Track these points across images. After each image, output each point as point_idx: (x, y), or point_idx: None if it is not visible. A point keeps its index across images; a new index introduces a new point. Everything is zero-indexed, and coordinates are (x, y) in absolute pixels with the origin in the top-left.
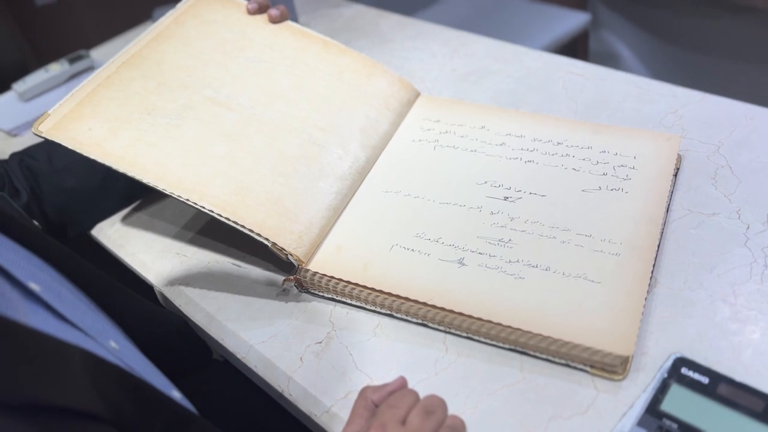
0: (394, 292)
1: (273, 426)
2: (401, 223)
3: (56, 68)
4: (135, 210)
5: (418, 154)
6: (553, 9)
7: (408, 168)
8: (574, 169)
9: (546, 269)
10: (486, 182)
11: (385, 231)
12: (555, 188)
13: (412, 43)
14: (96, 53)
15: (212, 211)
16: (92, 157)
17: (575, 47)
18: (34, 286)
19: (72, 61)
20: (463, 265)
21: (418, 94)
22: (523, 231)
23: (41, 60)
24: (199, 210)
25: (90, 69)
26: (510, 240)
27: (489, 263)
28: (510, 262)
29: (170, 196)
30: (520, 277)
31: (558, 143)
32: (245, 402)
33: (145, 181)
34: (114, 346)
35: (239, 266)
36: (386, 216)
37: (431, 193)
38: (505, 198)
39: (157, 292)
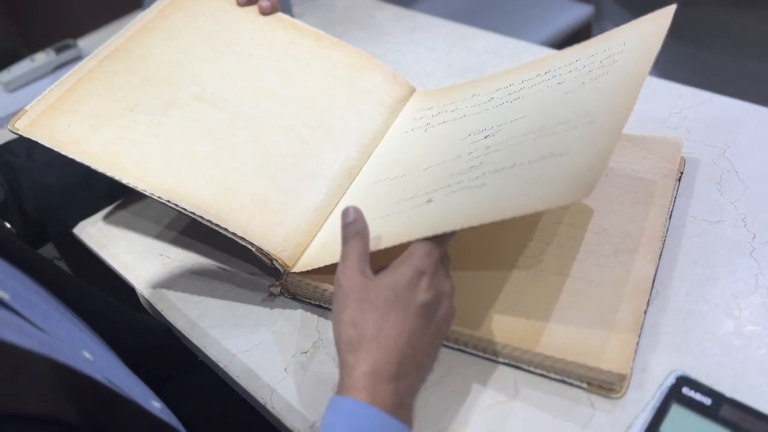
0: None
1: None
2: (387, 209)
3: (42, 58)
4: (118, 208)
5: (410, 142)
6: (556, 0)
7: (399, 156)
8: (559, 83)
9: (513, 166)
10: (470, 135)
11: (375, 226)
12: (536, 104)
13: (409, 37)
14: (84, 43)
15: (194, 213)
16: (70, 155)
17: (577, 40)
18: (2, 294)
19: (59, 50)
20: (431, 201)
21: (413, 90)
22: (497, 150)
23: (33, 48)
24: (181, 212)
25: (78, 59)
26: (481, 163)
27: (456, 188)
28: (477, 178)
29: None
30: (484, 184)
31: (546, 72)
32: (230, 408)
33: (124, 181)
34: (87, 356)
35: (224, 269)
36: (375, 208)
37: (417, 168)
38: (486, 137)
39: (139, 295)
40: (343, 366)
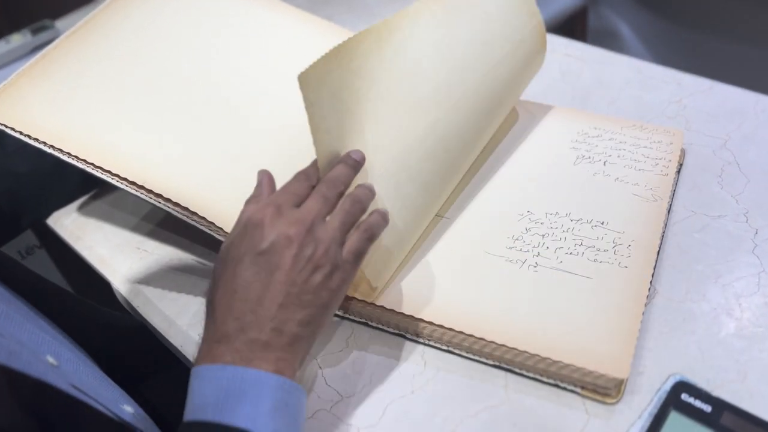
0: (370, 300)
1: None
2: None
3: (18, 39)
4: (93, 198)
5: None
6: None
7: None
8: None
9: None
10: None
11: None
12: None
13: None
14: (62, 24)
15: (169, 204)
16: (38, 144)
17: (573, 24)
18: None
19: (35, 31)
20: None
21: None
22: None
23: (8, 28)
24: (155, 205)
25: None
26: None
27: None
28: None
29: None
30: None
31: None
32: None
33: (89, 170)
34: (51, 361)
35: (203, 264)
36: None
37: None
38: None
39: (115, 291)
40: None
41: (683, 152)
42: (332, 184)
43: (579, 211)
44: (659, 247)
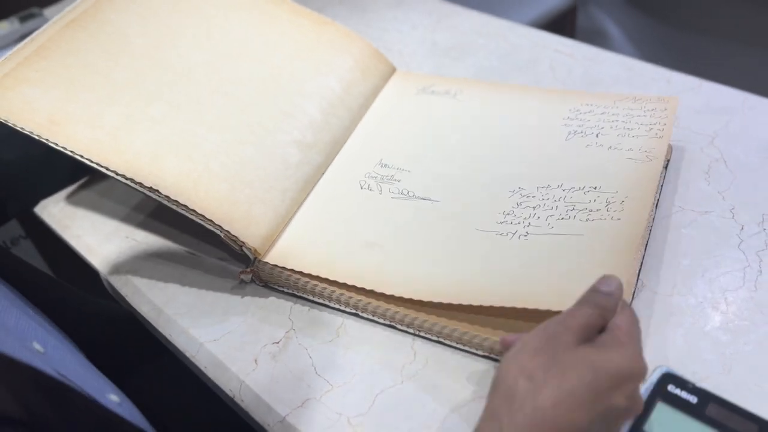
0: (361, 285)
1: (228, 422)
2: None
3: (5, 27)
4: (82, 187)
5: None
6: None
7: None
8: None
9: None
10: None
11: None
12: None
13: (392, 13)
14: (50, 11)
15: (158, 194)
16: (28, 131)
17: (563, 23)
18: None
19: (23, 19)
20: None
21: (393, 70)
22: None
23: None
24: (145, 194)
25: None
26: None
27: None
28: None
29: None
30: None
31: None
32: (198, 400)
33: (69, 148)
34: (38, 347)
35: (193, 254)
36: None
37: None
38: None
39: (103, 280)
40: (489, 408)
41: (671, 148)
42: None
43: (571, 180)
44: (646, 241)
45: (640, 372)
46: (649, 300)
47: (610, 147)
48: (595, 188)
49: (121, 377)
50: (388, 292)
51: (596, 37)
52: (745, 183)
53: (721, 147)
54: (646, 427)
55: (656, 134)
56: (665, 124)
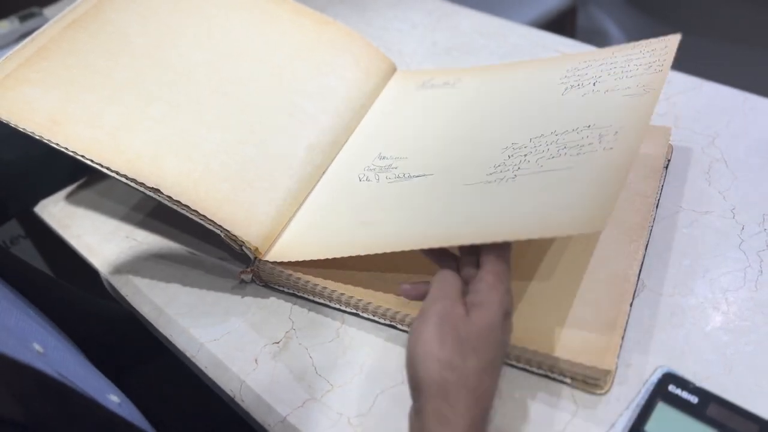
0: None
1: (228, 422)
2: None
3: (5, 26)
4: (82, 186)
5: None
6: None
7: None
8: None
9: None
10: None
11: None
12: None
13: (393, 12)
14: (50, 11)
15: (159, 194)
16: (28, 131)
17: (563, 23)
18: None
19: (23, 19)
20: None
21: (394, 69)
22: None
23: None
24: (145, 194)
25: None
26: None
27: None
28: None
29: None
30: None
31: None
32: (198, 400)
33: (70, 148)
34: (38, 348)
35: (193, 254)
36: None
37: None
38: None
39: (103, 280)
40: (431, 412)
41: (671, 148)
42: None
43: (565, 125)
44: (647, 242)
45: (508, 305)
46: (649, 300)
47: (607, 90)
48: (589, 126)
49: (121, 377)
50: (379, 251)
51: (596, 37)
52: (745, 183)
53: (722, 147)
54: (647, 427)
55: (655, 70)
56: (665, 60)
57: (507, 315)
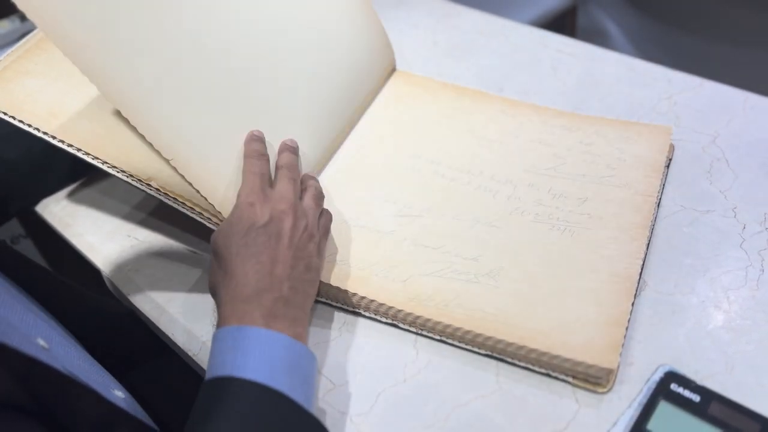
0: (366, 295)
1: None
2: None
3: (6, 26)
4: (83, 185)
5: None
6: None
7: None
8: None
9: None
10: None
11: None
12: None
13: (393, 12)
14: None
15: (159, 192)
16: (26, 127)
17: (564, 23)
18: None
19: (24, 18)
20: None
21: (394, 69)
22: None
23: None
24: (146, 192)
25: None
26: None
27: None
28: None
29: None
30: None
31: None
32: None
33: (67, 141)
34: (42, 344)
35: (195, 252)
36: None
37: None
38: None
39: (105, 278)
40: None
41: (672, 147)
42: (293, 168)
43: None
44: (648, 241)
45: (250, 198)
46: (651, 299)
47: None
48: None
49: (123, 375)
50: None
51: (596, 37)
52: (746, 182)
53: (723, 146)
54: (649, 425)
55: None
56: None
57: (249, 205)
